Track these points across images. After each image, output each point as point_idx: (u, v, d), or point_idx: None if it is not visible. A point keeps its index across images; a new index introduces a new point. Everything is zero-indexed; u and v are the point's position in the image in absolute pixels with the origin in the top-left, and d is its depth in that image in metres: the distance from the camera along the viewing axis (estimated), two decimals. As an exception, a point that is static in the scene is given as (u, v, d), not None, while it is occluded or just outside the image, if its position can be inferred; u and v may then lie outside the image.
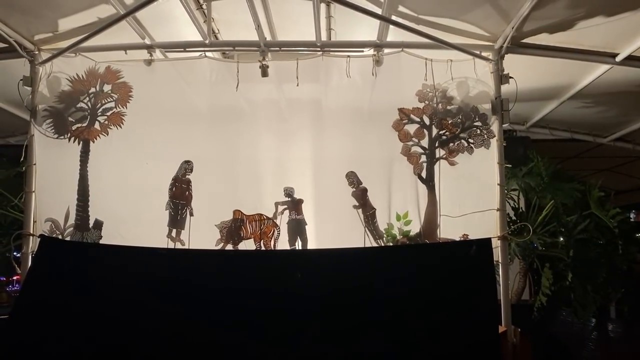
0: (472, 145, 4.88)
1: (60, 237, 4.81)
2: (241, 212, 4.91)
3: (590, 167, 9.89)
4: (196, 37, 5.06)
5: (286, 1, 4.98)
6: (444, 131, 4.92)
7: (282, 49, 5.10)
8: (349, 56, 4.96)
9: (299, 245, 4.95)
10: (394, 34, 4.94)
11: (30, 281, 4.28)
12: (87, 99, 5.00)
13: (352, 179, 4.95)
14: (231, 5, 5.01)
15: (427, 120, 4.95)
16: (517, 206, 6.79)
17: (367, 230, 4.94)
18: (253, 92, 5.04)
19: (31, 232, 4.76)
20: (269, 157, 5.06)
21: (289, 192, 4.97)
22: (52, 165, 4.90)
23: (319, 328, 3.89)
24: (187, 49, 5.14)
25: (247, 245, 4.89)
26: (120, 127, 4.99)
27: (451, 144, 4.90)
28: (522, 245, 6.33)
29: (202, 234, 4.89)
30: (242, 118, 5.10)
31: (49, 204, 4.88)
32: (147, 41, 4.99)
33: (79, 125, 4.96)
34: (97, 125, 4.97)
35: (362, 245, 4.84)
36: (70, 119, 4.95)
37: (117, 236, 4.83)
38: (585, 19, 4.37)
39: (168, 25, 5.12)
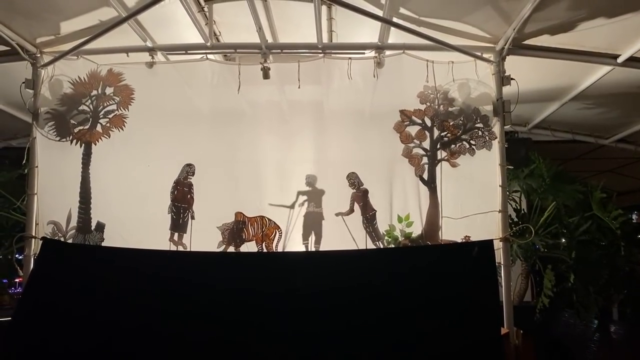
0: (473, 147, 4.88)
1: (62, 239, 4.82)
2: (243, 214, 4.91)
3: (592, 168, 9.87)
4: (198, 39, 5.08)
5: (287, 3, 4.98)
6: (445, 133, 4.92)
7: (284, 51, 5.11)
8: (350, 58, 4.96)
9: (312, 241, 4.93)
10: (395, 36, 4.95)
11: (33, 283, 4.28)
12: (89, 101, 5.01)
13: (354, 180, 4.95)
14: (233, 7, 5.02)
15: (428, 122, 4.95)
16: (518, 207, 6.78)
17: (365, 232, 4.93)
18: (254, 94, 5.05)
19: (33, 234, 4.76)
20: (271, 159, 5.06)
21: (310, 181, 4.95)
22: (54, 168, 4.91)
23: (321, 328, 3.89)
24: (189, 52, 5.14)
25: (249, 247, 4.89)
26: (122, 129, 4.99)
27: (453, 146, 4.90)
28: (524, 246, 6.32)
29: (204, 236, 4.89)
30: (244, 120, 5.10)
31: (51, 206, 4.88)
32: (149, 44, 5.00)
33: (81, 127, 4.96)
34: (99, 128, 4.98)
35: (359, 247, 4.83)
36: (72, 121, 4.96)
37: (118, 239, 4.84)
38: (586, 20, 4.37)
39: (170, 27, 5.13)
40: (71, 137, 4.94)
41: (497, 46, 4.82)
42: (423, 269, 4.19)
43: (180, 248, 4.89)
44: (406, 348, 3.90)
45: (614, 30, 4.47)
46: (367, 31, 5.01)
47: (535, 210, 6.65)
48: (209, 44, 5.00)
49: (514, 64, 4.85)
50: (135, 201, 4.93)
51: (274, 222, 4.92)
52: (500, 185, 4.76)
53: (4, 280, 7.54)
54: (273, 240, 4.89)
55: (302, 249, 4.92)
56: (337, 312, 3.95)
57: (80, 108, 4.99)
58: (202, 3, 5.05)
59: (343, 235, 4.91)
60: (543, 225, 6.43)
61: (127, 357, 3.94)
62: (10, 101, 6.09)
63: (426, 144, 4.94)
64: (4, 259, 6.51)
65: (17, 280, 7.62)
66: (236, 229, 4.89)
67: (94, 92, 5.01)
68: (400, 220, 4.87)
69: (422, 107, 4.96)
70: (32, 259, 4.69)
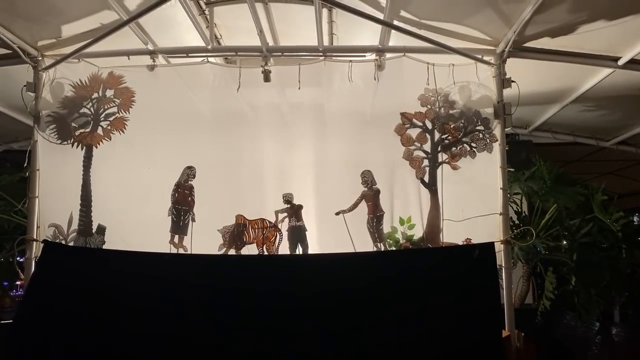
0: (474, 150, 4.87)
1: (63, 242, 4.82)
2: (244, 217, 4.91)
3: (593, 170, 9.87)
4: (199, 42, 5.07)
5: (288, 6, 4.99)
6: (446, 135, 4.92)
7: (285, 54, 5.11)
8: (351, 61, 4.96)
9: (299, 252, 4.92)
10: (396, 39, 4.95)
11: (34, 286, 4.29)
12: (90, 104, 5.01)
13: (367, 178, 4.94)
14: (233, 10, 5.04)
15: (429, 125, 4.95)
16: (520, 210, 6.78)
17: (369, 231, 4.93)
18: (255, 97, 5.05)
19: (34, 237, 4.76)
20: (272, 161, 5.06)
21: (287, 199, 4.96)
22: (55, 171, 4.91)
23: (321, 329, 3.90)
24: (190, 55, 5.14)
25: (250, 250, 4.89)
26: (123, 132, 5.00)
27: (453, 148, 4.90)
28: (525, 249, 6.31)
29: (204, 239, 4.89)
30: (245, 123, 5.10)
31: (52, 209, 4.88)
32: (150, 47, 5.00)
33: (82, 130, 4.97)
34: (100, 131, 4.98)
35: (356, 247, 4.82)
36: (73, 124, 4.96)
37: (119, 241, 4.83)
38: (587, 23, 4.37)
39: (171, 30, 5.14)
40: (72, 140, 4.94)
41: (498, 49, 4.82)
42: (424, 271, 4.19)
43: (181, 250, 4.89)
44: (406, 350, 3.91)
45: (614, 33, 4.47)
46: (368, 34, 5.02)
47: (536, 212, 6.66)
48: (209, 46, 5.00)
49: (515, 67, 4.85)
50: (136, 204, 4.93)
51: (275, 225, 4.91)
52: (501, 188, 4.76)
53: (5, 283, 7.54)
54: (274, 243, 4.89)
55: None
56: (337, 314, 3.96)
57: (82, 111, 4.99)
58: (203, 6, 5.06)
59: (338, 236, 4.90)
60: (544, 228, 6.43)
61: (128, 359, 3.96)
62: (11, 104, 6.10)
63: (427, 146, 4.94)
64: (5, 262, 6.51)
65: (18, 282, 7.63)
66: (237, 232, 4.89)
67: (95, 95, 5.01)
68: (402, 222, 4.86)
69: (423, 109, 4.96)
70: (33, 262, 4.68)
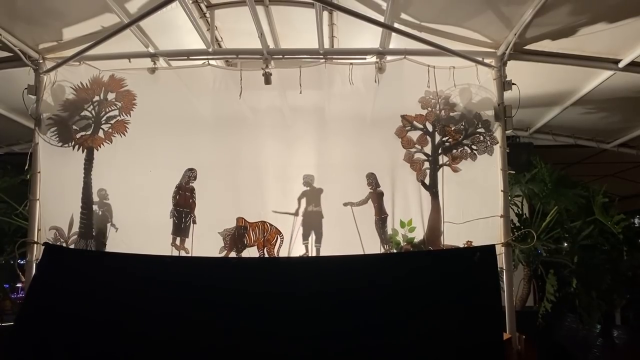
0: (475, 152, 4.87)
1: (64, 244, 4.82)
2: (244, 220, 4.91)
3: (594, 172, 9.87)
4: (199, 45, 5.08)
5: (289, 9, 4.99)
6: (447, 138, 4.92)
7: (285, 56, 5.11)
8: (351, 63, 4.97)
9: (312, 240, 4.92)
10: (397, 41, 4.96)
11: (34, 288, 4.29)
12: (91, 107, 5.02)
13: (372, 180, 4.94)
14: (234, 13, 5.04)
15: (430, 127, 4.95)
16: (520, 212, 6.78)
17: (377, 233, 4.93)
18: (256, 99, 5.06)
19: (35, 240, 4.77)
20: (272, 164, 5.06)
21: (307, 181, 4.95)
22: (56, 173, 4.92)
23: (322, 330, 3.90)
24: (191, 57, 5.15)
25: (251, 252, 4.89)
26: (124, 135, 5.00)
27: (454, 151, 4.90)
28: (526, 251, 6.31)
29: (206, 242, 4.89)
30: (246, 125, 5.11)
31: (53, 212, 4.88)
32: (151, 49, 5.02)
33: (83, 133, 4.97)
34: (101, 134, 4.99)
35: (362, 250, 4.82)
36: (74, 127, 4.97)
37: (120, 244, 4.84)
38: (587, 26, 4.38)
39: (171, 33, 5.14)
40: (73, 142, 4.94)
41: (498, 51, 4.82)
42: (425, 274, 4.19)
43: (183, 253, 4.89)
44: (407, 352, 3.90)
45: (615, 35, 4.47)
46: (369, 36, 5.01)
47: (537, 214, 6.66)
48: (210, 49, 5.01)
49: (515, 69, 4.86)
50: (137, 206, 4.93)
51: (276, 228, 4.91)
52: (502, 190, 4.76)
53: (6, 286, 7.54)
54: (274, 246, 4.89)
55: (303, 248, 4.92)
56: (338, 315, 3.96)
57: (83, 114, 4.99)
58: (204, 9, 5.06)
59: (344, 232, 4.90)
60: (545, 230, 6.43)
61: (128, 361, 3.97)
62: (12, 106, 6.11)
63: (428, 149, 4.94)
64: (6, 265, 6.52)
65: (19, 285, 7.64)
66: (238, 235, 4.89)
67: (96, 98, 5.02)
68: (402, 225, 4.86)
69: (424, 112, 4.96)
70: (34, 265, 4.69)
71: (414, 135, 4.96)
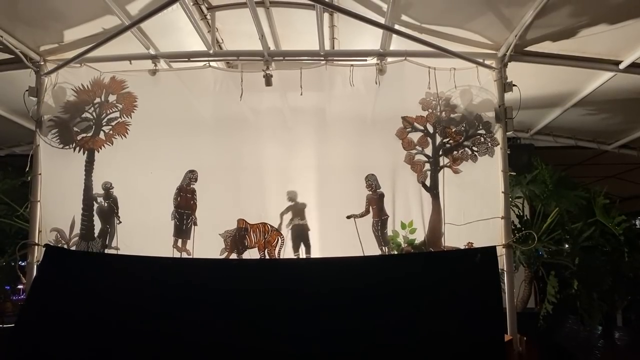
0: (476, 153, 4.87)
1: (65, 246, 4.82)
2: (245, 221, 4.91)
3: (594, 174, 9.86)
4: (200, 47, 5.09)
5: (290, 11, 5.00)
6: (447, 139, 4.92)
7: (286, 58, 5.12)
8: (352, 65, 4.97)
9: (302, 252, 4.94)
10: (397, 43, 4.96)
11: (35, 290, 4.29)
12: (92, 109, 5.02)
13: (371, 182, 4.94)
14: (235, 15, 5.04)
15: (430, 129, 4.95)
16: (521, 214, 6.77)
17: (374, 235, 4.92)
18: (257, 101, 5.06)
19: (36, 241, 4.77)
20: (273, 165, 5.06)
21: (291, 197, 4.97)
22: (57, 175, 4.92)
23: (322, 330, 3.92)
24: (192, 59, 5.16)
25: (252, 254, 4.88)
26: (125, 136, 5.01)
27: (455, 152, 4.89)
28: (527, 253, 6.30)
29: (207, 243, 4.89)
30: (246, 127, 5.11)
31: (54, 213, 4.89)
32: (152, 51, 5.02)
33: (84, 135, 4.98)
34: (102, 135, 4.99)
35: (362, 251, 4.82)
36: (75, 129, 4.97)
37: (122, 246, 4.85)
38: (588, 27, 4.38)
39: (172, 35, 5.15)
40: (74, 144, 4.95)
41: (499, 53, 4.82)
42: (426, 275, 4.19)
43: (184, 254, 4.89)
44: (408, 353, 3.91)
45: (615, 37, 4.47)
46: (369, 38, 5.02)
47: (538, 216, 6.65)
48: (211, 51, 5.02)
49: (516, 70, 4.86)
50: (139, 208, 4.94)
51: (276, 229, 4.91)
52: (502, 192, 4.76)
53: (7, 287, 7.55)
54: (275, 247, 4.89)
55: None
56: (339, 316, 3.96)
57: (83, 115, 5.00)
58: (205, 11, 5.07)
59: (342, 239, 4.90)
60: (546, 232, 6.42)
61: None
62: (13, 108, 6.11)
63: (428, 150, 4.94)
64: (7, 266, 6.52)
65: (20, 287, 7.64)
66: (238, 236, 4.89)
67: (97, 100, 5.03)
68: (403, 226, 4.86)
69: (424, 113, 4.96)
70: (35, 266, 4.69)
71: (415, 136, 4.96)
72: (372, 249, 4.87)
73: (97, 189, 4.93)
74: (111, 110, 5.02)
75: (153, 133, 5.04)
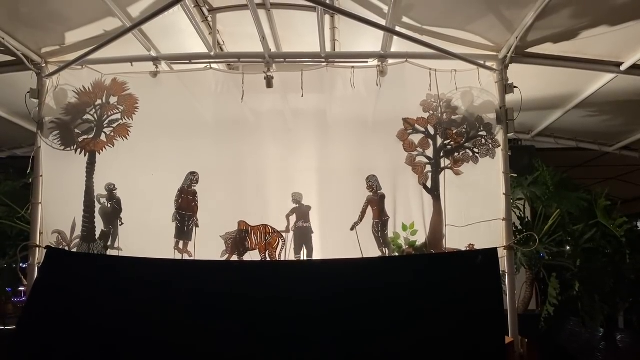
0: (477, 155, 4.87)
1: (67, 248, 4.83)
2: (246, 223, 4.91)
3: (596, 175, 9.85)
4: (201, 49, 5.10)
5: (290, 13, 5.00)
6: (448, 141, 4.92)
7: (287, 60, 5.12)
8: (353, 67, 4.98)
9: (304, 254, 4.94)
10: (398, 45, 4.97)
11: (36, 292, 4.29)
12: (94, 110, 5.03)
13: (373, 183, 4.94)
14: (236, 17, 5.05)
15: (431, 130, 4.95)
16: (523, 215, 6.76)
17: (374, 236, 4.92)
18: (258, 102, 5.07)
19: (37, 243, 4.77)
20: (274, 167, 5.06)
21: (296, 199, 4.96)
22: (58, 177, 4.93)
23: (322, 333, 3.90)
24: (193, 61, 5.16)
25: (253, 256, 4.88)
26: (126, 138, 5.01)
27: (456, 154, 4.90)
28: (529, 254, 6.30)
29: (208, 245, 4.89)
30: (248, 129, 5.12)
31: (56, 215, 4.89)
32: (153, 53, 5.03)
33: (85, 137, 4.99)
34: (103, 137, 5.00)
35: (361, 253, 4.82)
36: (76, 130, 4.98)
37: (123, 247, 4.85)
38: (589, 29, 4.38)
39: (174, 37, 5.15)
40: (75, 146, 4.96)
41: (500, 54, 4.83)
42: (427, 277, 4.18)
43: (186, 256, 4.89)
44: (409, 356, 3.90)
45: (616, 38, 4.47)
46: (370, 40, 5.03)
47: (539, 218, 6.64)
48: (212, 53, 5.02)
49: (517, 72, 4.86)
50: (140, 209, 4.94)
51: (277, 231, 4.91)
52: (504, 193, 4.76)
53: (8, 289, 7.55)
54: (276, 249, 4.89)
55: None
56: (338, 318, 3.95)
57: (85, 117, 5.01)
58: (206, 13, 5.08)
59: (342, 241, 4.90)
60: (547, 233, 6.42)
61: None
62: (15, 111, 6.13)
63: (429, 152, 4.94)
64: (8, 268, 6.52)
65: (21, 289, 7.63)
66: (239, 238, 4.89)
67: (99, 102, 5.04)
68: (404, 228, 4.86)
69: (425, 115, 4.96)
70: (36, 268, 4.69)
71: (416, 138, 4.96)
72: (372, 250, 4.87)
73: (99, 191, 4.94)
74: (112, 112, 5.03)
75: (154, 135, 5.05)
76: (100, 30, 4.74)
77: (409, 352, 3.89)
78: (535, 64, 4.88)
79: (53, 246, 4.73)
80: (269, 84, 4.89)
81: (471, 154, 4.88)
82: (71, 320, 4.01)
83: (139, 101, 5.05)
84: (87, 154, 4.96)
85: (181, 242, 4.93)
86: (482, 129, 4.89)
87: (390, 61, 4.98)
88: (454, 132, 4.92)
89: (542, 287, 7.00)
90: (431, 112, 4.96)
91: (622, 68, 4.81)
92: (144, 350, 3.91)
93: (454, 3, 4.43)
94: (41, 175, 4.87)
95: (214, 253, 4.84)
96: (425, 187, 4.90)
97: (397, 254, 4.83)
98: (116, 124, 5.02)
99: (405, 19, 4.66)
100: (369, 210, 4.94)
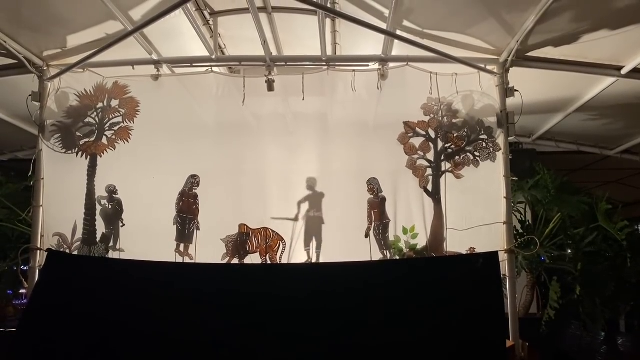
0: (478, 159, 4.87)
1: (67, 251, 4.83)
2: (247, 226, 4.91)
3: (597, 179, 9.84)
4: (203, 52, 5.10)
5: (291, 16, 5.02)
6: (449, 144, 4.92)
7: (288, 63, 5.13)
8: (354, 70, 4.98)
9: (313, 247, 4.93)
10: (399, 48, 4.97)
11: (37, 294, 4.30)
12: (95, 113, 5.04)
13: (373, 185, 4.93)
14: (237, 21, 5.07)
15: (432, 134, 4.96)
16: (524, 219, 6.76)
17: (375, 239, 4.92)
18: (259, 106, 5.07)
19: (39, 246, 4.78)
20: (275, 170, 5.07)
21: (310, 185, 4.96)
22: (60, 180, 4.94)
23: (321, 332, 3.93)
24: (194, 64, 5.17)
25: (253, 259, 4.88)
26: (128, 141, 5.02)
27: (457, 157, 4.90)
28: (529, 258, 6.29)
29: (208, 248, 4.89)
30: (249, 132, 5.12)
31: (57, 218, 4.90)
32: (155, 56, 5.04)
33: (87, 140, 5.00)
34: (104, 140, 5.01)
35: (367, 256, 4.82)
36: (78, 133, 4.99)
37: (124, 249, 4.86)
38: (590, 33, 4.38)
39: (175, 40, 5.17)
40: (77, 149, 4.97)
41: (501, 58, 4.83)
42: (427, 280, 4.19)
43: (187, 259, 4.89)
44: (410, 358, 3.91)
45: (617, 42, 4.47)
46: (371, 43, 5.03)
47: (540, 221, 6.64)
48: (214, 56, 5.04)
49: (518, 76, 4.87)
50: (141, 213, 4.95)
51: (278, 234, 4.91)
52: (504, 197, 4.76)
53: (9, 292, 7.55)
54: (277, 252, 4.89)
55: (305, 255, 4.93)
56: (338, 321, 3.97)
57: (86, 120, 5.02)
58: (207, 16, 5.09)
59: (345, 237, 4.92)
60: (548, 237, 6.41)
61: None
62: (17, 113, 6.14)
63: (430, 155, 4.94)
64: (9, 271, 6.52)
65: (22, 291, 7.64)
66: (240, 241, 4.90)
67: (100, 105, 5.05)
68: (405, 231, 4.85)
69: (426, 118, 4.96)
70: (37, 271, 4.70)
71: (417, 141, 4.97)
72: (374, 253, 4.87)
73: (100, 193, 4.94)
74: (114, 115, 5.04)
75: (155, 138, 5.05)
76: (102, 33, 4.76)
77: (409, 356, 3.89)
78: (536, 67, 4.89)
79: (54, 249, 4.73)
80: (270, 87, 4.90)
81: (472, 157, 4.88)
82: (71, 321, 4.02)
83: (141, 104, 5.06)
84: (89, 157, 4.97)
85: (182, 245, 4.93)
86: (482, 132, 4.90)
87: (391, 65, 4.99)
88: (455, 135, 4.92)
89: (543, 291, 6.99)
90: (432, 115, 4.96)
91: (623, 72, 4.82)
92: (143, 351, 3.93)
93: (454, 7, 4.44)
94: (42, 178, 4.89)
95: (215, 256, 4.84)
96: (426, 190, 4.90)
97: (398, 257, 4.83)
98: (117, 127, 5.03)
99: (405, 23, 4.67)
100: (371, 212, 4.94)
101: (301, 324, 3.96)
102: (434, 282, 4.18)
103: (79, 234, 4.89)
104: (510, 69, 4.84)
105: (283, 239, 4.90)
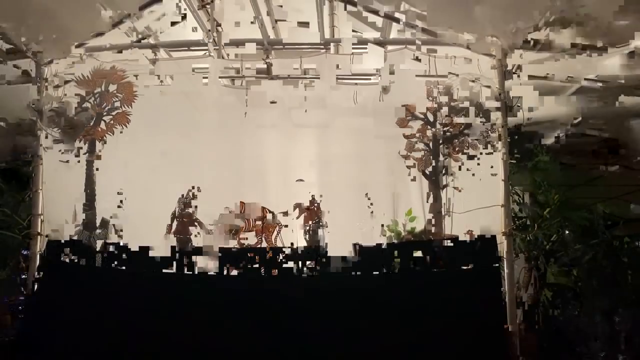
0: (476, 142, 4.85)
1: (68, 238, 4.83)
2: (244, 204, 4.94)
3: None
4: (200, 36, 5.07)
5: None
6: (448, 128, 4.91)
7: (286, 47, 5.10)
8: (352, 53, 4.93)
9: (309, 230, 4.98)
10: (397, 31, 4.93)
11: (35, 302, 4.44)
12: (93, 99, 5.02)
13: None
14: (234, 4, 5.02)
15: (431, 117, 4.94)
16: (522, 201, 6.73)
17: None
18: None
19: (39, 231, 4.78)
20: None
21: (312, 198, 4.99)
22: (59, 167, 4.92)
23: (321, 332, 4.03)
24: (191, 48, 5.15)
25: (248, 238, 4.92)
26: (126, 126, 5.01)
27: (455, 141, 4.88)
28: (529, 240, 6.28)
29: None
30: (247, 116, 5.11)
31: (56, 204, 4.90)
32: (152, 41, 5.01)
33: (85, 125, 4.98)
34: (102, 125, 5.00)
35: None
36: (76, 119, 4.97)
37: (123, 230, 4.87)
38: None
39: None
40: (75, 134, 4.95)
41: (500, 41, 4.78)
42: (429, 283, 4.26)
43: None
44: (411, 348, 3.97)
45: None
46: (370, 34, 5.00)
47: (539, 204, 6.61)
48: (210, 40, 5.00)
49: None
50: (140, 197, 4.94)
51: (275, 217, 4.94)
52: (502, 180, 4.73)
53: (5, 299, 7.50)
54: (272, 233, 4.92)
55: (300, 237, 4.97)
56: (340, 320, 4.06)
57: (84, 105, 5.00)
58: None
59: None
60: (550, 242, 6.38)
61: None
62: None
63: (428, 139, 4.93)
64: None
65: (20, 299, 7.58)
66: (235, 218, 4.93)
67: (98, 90, 5.03)
68: (403, 215, 4.87)
69: (425, 102, 4.93)
70: (38, 256, 4.70)
71: (415, 125, 4.95)
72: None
73: (99, 179, 4.93)
74: (112, 100, 5.02)
75: (153, 122, 5.05)
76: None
77: (410, 344, 3.97)
78: (536, 51, 4.83)
79: (52, 239, 4.73)
80: (269, 71, 4.89)
81: (470, 140, 4.87)
82: (71, 323, 4.15)
83: (138, 88, 5.03)
84: (87, 142, 4.96)
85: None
86: (481, 115, 4.87)
87: (390, 47, 4.94)
88: (453, 119, 4.90)
89: (540, 272, 7.00)
90: (430, 98, 4.94)
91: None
92: (145, 349, 4.01)
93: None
94: (41, 163, 4.86)
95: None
96: (424, 173, 4.89)
97: (396, 241, 4.83)
98: (115, 112, 5.01)
99: (405, 6, 4.62)
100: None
101: (299, 325, 4.06)
102: (435, 286, 4.25)
103: (79, 219, 4.89)
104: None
105: (280, 222, 4.94)
